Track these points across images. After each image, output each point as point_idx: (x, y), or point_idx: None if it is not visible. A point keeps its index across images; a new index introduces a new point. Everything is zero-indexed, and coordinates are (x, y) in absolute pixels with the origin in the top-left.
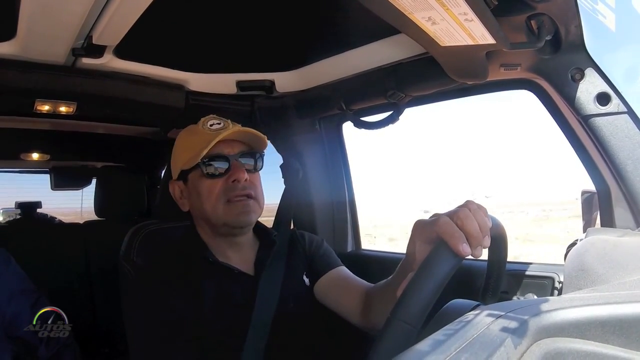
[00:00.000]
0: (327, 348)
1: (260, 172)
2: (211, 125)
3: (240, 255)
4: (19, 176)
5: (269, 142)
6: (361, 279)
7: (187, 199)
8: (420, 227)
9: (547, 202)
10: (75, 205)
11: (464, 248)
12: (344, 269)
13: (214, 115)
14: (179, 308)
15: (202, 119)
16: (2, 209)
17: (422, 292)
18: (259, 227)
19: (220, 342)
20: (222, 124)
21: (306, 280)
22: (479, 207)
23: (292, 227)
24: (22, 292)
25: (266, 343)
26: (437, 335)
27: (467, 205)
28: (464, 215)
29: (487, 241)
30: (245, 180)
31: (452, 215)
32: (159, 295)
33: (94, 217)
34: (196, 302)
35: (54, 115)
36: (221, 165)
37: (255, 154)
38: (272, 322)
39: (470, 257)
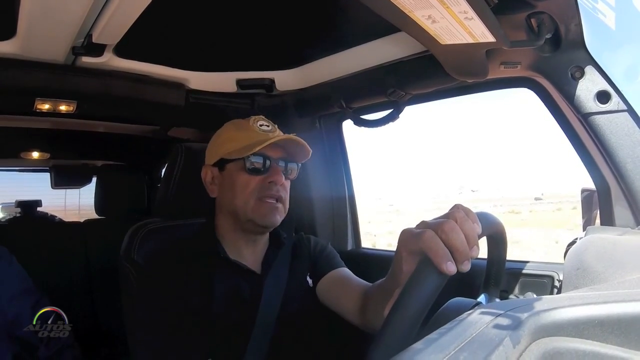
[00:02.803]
0: (329, 347)
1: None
2: (261, 126)
3: (252, 254)
4: (16, 174)
5: None
6: (361, 279)
7: (218, 186)
8: (405, 239)
9: (508, 198)
10: (60, 202)
11: (448, 267)
12: (345, 270)
13: (263, 117)
14: (187, 302)
15: (253, 117)
16: (1, 204)
17: (406, 316)
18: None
19: (226, 337)
20: (270, 127)
21: (309, 281)
22: (467, 213)
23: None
24: (24, 292)
25: (270, 340)
26: (436, 334)
27: (454, 214)
28: (449, 229)
29: (476, 252)
30: (281, 184)
31: (437, 228)
32: (166, 290)
33: (77, 213)
34: (205, 297)
35: (54, 114)
36: (262, 165)
37: (293, 162)
38: (276, 320)
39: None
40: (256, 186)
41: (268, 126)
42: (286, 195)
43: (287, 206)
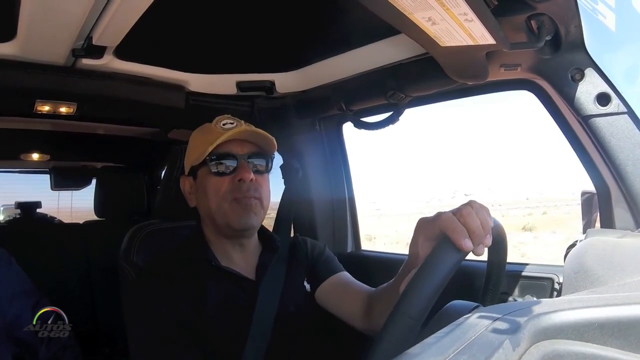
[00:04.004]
0: (327, 352)
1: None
2: (224, 124)
3: (243, 259)
4: (13, 176)
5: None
6: (362, 283)
7: (195, 195)
8: (423, 225)
9: (502, 202)
10: (53, 204)
11: (466, 243)
12: (345, 274)
13: (229, 115)
14: (181, 310)
15: (217, 118)
16: (2, 205)
17: (425, 286)
18: (263, 232)
19: (222, 345)
20: (234, 124)
21: (307, 286)
22: (482, 206)
23: (292, 229)
24: (23, 293)
25: (266, 347)
26: (436, 336)
27: (470, 204)
28: (467, 213)
29: (489, 240)
30: (252, 180)
31: (455, 212)
32: (161, 296)
33: (70, 216)
34: (198, 305)
35: (54, 115)
36: (229, 164)
37: (265, 155)
38: (273, 326)
39: (470, 256)
40: (227, 188)
41: (232, 123)
42: (262, 192)
43: (267, 204)
